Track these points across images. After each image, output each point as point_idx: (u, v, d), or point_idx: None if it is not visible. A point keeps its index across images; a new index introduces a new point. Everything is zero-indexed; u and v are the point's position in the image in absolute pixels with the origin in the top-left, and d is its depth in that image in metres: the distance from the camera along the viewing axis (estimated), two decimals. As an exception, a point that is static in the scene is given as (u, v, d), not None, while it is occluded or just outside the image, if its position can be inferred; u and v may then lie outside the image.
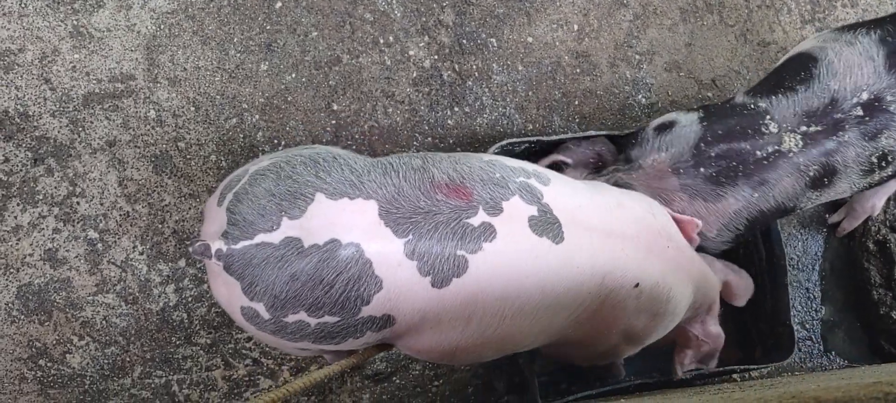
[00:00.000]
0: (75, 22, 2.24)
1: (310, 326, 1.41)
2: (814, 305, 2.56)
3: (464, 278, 1.44)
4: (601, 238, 1.60)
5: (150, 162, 2.25)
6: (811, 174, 1.77)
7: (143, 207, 2.24)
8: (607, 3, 2.57)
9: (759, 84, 1.93)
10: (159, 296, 2.23)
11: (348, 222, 1.38)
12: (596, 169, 2.09)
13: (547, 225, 1.52)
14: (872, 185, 1.87)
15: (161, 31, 2.28)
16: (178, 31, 2.28)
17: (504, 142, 2.23)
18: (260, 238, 1.36)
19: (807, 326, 2.57)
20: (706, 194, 1.81)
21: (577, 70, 2.55)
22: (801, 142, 1.75)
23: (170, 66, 2.27)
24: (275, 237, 1.36)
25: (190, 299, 2.24)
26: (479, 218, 1.45)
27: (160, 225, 2.25)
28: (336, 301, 1.38)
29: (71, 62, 2.21)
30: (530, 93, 2.51)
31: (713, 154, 1.80)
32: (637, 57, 2.58)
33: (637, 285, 1.66)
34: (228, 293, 1.42)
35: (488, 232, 1.46)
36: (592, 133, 2.14)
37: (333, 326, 1.42)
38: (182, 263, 2.25)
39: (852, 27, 1.88)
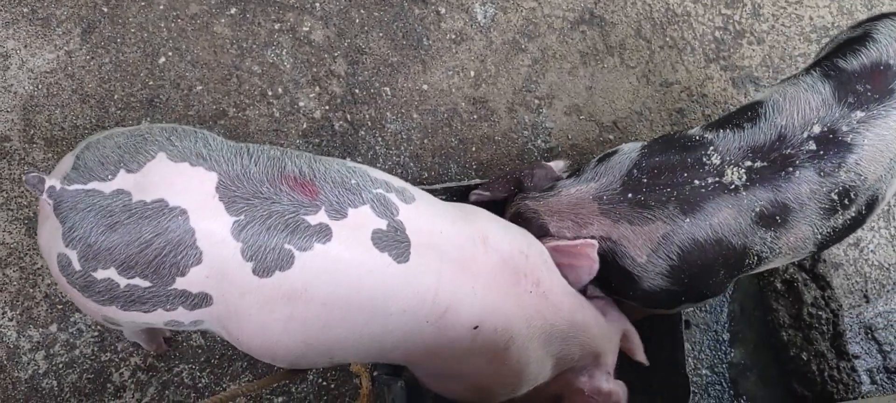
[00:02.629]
0: None
1: (119, 287, 1.26)
2: (723, 348, 2.27)
3: (287, 272, 1.27)
4: (452, 269, 1.40)
5: (22, 224, 1.95)
6: (757, 210, 1.52)
7: (14, 271, 1.95)
8: (505, 48, 2.36)
9: (711, 123, 1.68)
10: (29, 364, 1.95)
11: (181, 186, 1.23)
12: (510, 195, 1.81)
13: (393, 242, 1.34)
14: (838, 231, 1.58)
15: (39, 91, 2.02)
16: (56, 90, 2.01)
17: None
18: (93, 185, 1.22)
19: (716, 370, 2.27)
20: (632, 217, 1.56)
21: (475, 116, 2.33)
22: (744, 176, 1.52)
23: (47, 126, 1.99)
24: (107, 186, 1.22)
25: (61, 365, 1.96)
26: (318, 217, 1.29)
27: (32, 290, 1.98)
28: (150, 262, 1.23)
29: (-57, 124, 2.03)
30: (426, 140, 2.29)
31: (645, 178, 1.57)
32: (536, 101, 2.36)
33: (476, 327, 1.41)
34: (49, 237, 1.26)
35: (323, 233, 1.28)
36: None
37: (144, 291, 1.26)
38: (53, 328, 1.97)
39: (791, 75, 1.66)
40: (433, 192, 1.95)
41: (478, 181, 1.97)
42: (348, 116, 2.18)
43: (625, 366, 1.98)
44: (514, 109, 2.28)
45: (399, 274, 1.34)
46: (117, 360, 1.97)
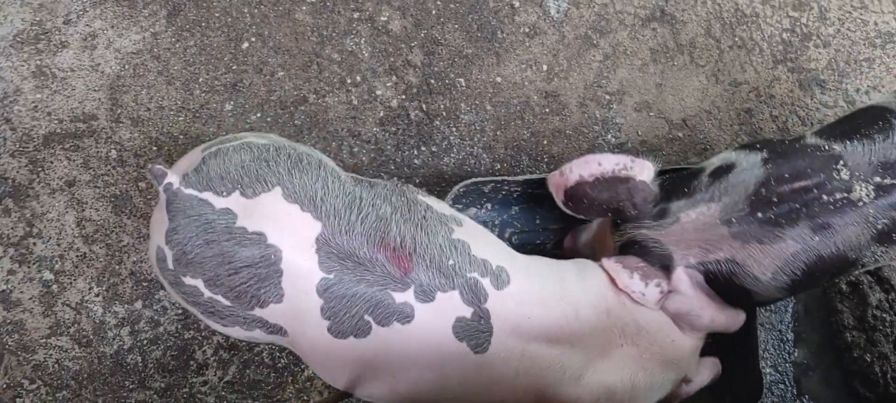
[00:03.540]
0: (39, 62, 1.94)
1: (202, 296, 1.26)
2: (787, 348, 2.24)
3: (361, 341, 1.26)
4: (540, 347, 1.34)
5: (109, 202, 1.94)
6: (879, 227, 1.44)
7: (100, 248, 1.95)
8: (577, 43, 2.33)
9: (831, 127, 1.57)
10: (114, 339, 1.94)
11: (284, 226, 1.23)
12: (614, 222, 1.65)
13: (474, 331, 1.29)
14: None
15: (125, 71, 1.99)
16: (142, 71, 1.98)
17: (469, 182, 1.97)
18: (207, 195, 1.23)
19: (779, 369, 2.25)
20: (762, 236, 1.46)
21: (546, 110, 2.30)
22: (871, 193, 1.43)
23: (133, 106, 1.97)
24: (219, 202, 1.23)
25: (145, 342, 1.95)
26: (405, 297, 1.26)
27: (117, 267, 1.97)
28: (234, 287, 1.23)
29: (33, 102, 1.92)
30: (498, 132, 2.26)
31: (775, 197, 1.45)
32: (607, 97, 2.33)
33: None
34: (157, 226, 1.27)
35: (406, 314, 1.26)
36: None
37: (223, 309, 1.27)
38: (138, 305, 1.96)
39: None
40: (512, 183, 1.94)
41: (544, 175, 1.93)
42: (424, 106, 2.15)
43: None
44: (585, 104, 2.24)
45: (475, 363, 1.31)
46: (200, 338, 1.96)
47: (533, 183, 1.98)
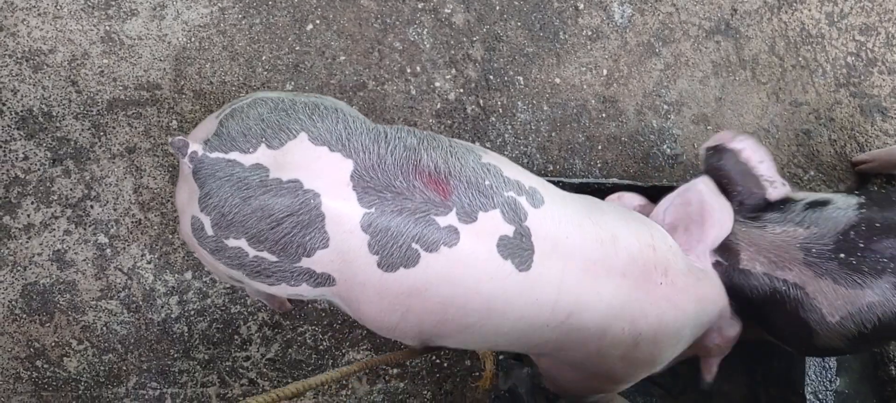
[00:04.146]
0: (108, 27, 1.93)
1: (247, 256, 1.21)
2: (828, 375, 2.16)
3: (411, 271, 1.22)
4: (576, 276, 1.30)
5: (167, 171, 1.91)
6: None
7: (155, 216, 1.93)
8: (639, 50, 2.26)
9: None
10: (162, 307, 1.92)
11: (318, 170, 1.18)
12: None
13: (517, 249, 1.25)
14: None
15: (191, 43, 1.96)
16: (208, 45, 1.94)
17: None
18: (234, 155, 1.18)
19: (820, 397, 2.18)
20: (839, 277, 1.42)
21: (603, 115, 2.24)
22: None
23: (196, 79, 1.93)
24: (247, 159, 1.17)
25: (192, 313, 1.92)
26: (448, 220, 1.21)
27: (170, 236, 1.94)
28: (278, 240, 1.18)
29: (99, 67, 1.90)
30: (553, 133, 2.21)
31: (862, 244, 1.41)
32: (665, 106, 2.26)
33: (603, 329, 1.35)
34: (187, 198, 1.23)
35: (452, 236, 1.21)
36: (621, 181, 1.82)
37: (271, 265, 1.22)
38: (188, 275, 1.93)
39: None
40: (567, 186, 1.89)
41: (616, 180, 1.89)
42: (481, 101, 2.10)
43: (734, 375, 1.90)
44: (643, 112, 2.18)
45: (519, 282, 1.26)
46: (246, 314, 1.94)
47: (587, 187, 1.94)
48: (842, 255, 1.43)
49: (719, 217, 1.53)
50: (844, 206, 1.49)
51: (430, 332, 1.33)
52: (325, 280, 1.25)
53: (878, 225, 1.43)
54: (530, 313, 1.29)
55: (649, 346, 1.43)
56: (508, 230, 1.25)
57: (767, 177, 1.60)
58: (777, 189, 1.60)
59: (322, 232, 1.18)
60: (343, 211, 1.18)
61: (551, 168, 2.12)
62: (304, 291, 1.28)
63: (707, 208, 1.54)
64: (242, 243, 1.20)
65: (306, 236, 1.18)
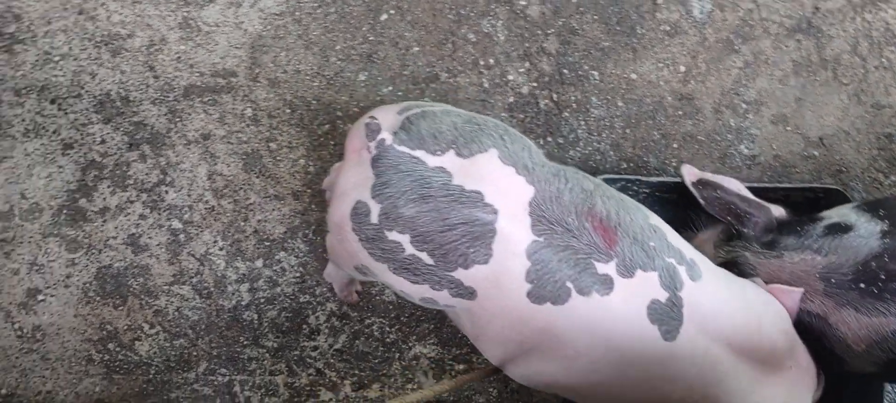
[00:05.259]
0: (185, 14, 1.84)
1: (403, 252, 1.17)
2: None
3: (557, 307, 1.17)
4: (720, 353, 1.25)
5: (240, 159, 1.84)
6: None
7: (228, 203, 1.85)
8: (718, 47, 2.12)
9: None
10: (233, 294, 1.84)
11: (502, 188, 1.16)
12: (727, 233, 1.58)
13: (667, 317, 1.21)
14: None
15: (267, 31, 1.87)
16: (283, 33, 1.86)
17: (601, 177, 1.83)
18: (419, 153, 1.16)
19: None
20: (860, 306, 1.33)
21: (679, 112, 2.11)
22: None
23: (271, 67, 1.85)
24: (432, 160, 1.16)
25: (262, 301, 1.84)
26: (607, 268, 1.18)
27: (243, 223, 1.88)
28: (443, 245, 1.15)
29: (176, 53, 1.82)
30: (628, 130, 2.08)
31: (883, 275, 1.31)
32: (743, 105, 2.11)
33: None
34: (356, 183, 1.20)
35: (606, 285, 1.17)
36: (717, 178, 1.70)
37: (423, 267, 1.18)
38: (259, 263, 1.87)
39: None
40: (642, 184, 1.78)
41: (677, 179, 1.77)
42: (554, 96, 1.99)
43: None
44: (720, 111, 2.04)
45: (661, 350, 1.21)
46: (314, 303, 1.86)
47: (663, 186, 1.82)
48: (862, 285, 1.34)
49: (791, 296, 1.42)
50: (867, 235, 1.38)
51: (544, 374, 1.28)
52: (468, 293, 1.21)
53: None
54: (664, 385, 1.25)
55: None
56: (662, 295, 1.21)
57: (758, 201, 1.57)
58: (777, 209, 1.55)
59: (487, 248, 1.15)
60: (515, 233, 1.15)
61: (625, 166, 2.00)
62: (440, 298, 1.24)
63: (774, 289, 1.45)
64: (404, 239, 1.17)
65: (471, 248, 1.15)
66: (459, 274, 1.17)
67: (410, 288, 1.23)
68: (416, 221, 1.15)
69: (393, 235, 1.17)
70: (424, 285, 1.21)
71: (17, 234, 1.76)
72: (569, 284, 1.17)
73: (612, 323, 1.18)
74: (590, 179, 1.26)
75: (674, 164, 2.01)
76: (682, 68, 2.03)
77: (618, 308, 1.18)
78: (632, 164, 2.00)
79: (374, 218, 1.17)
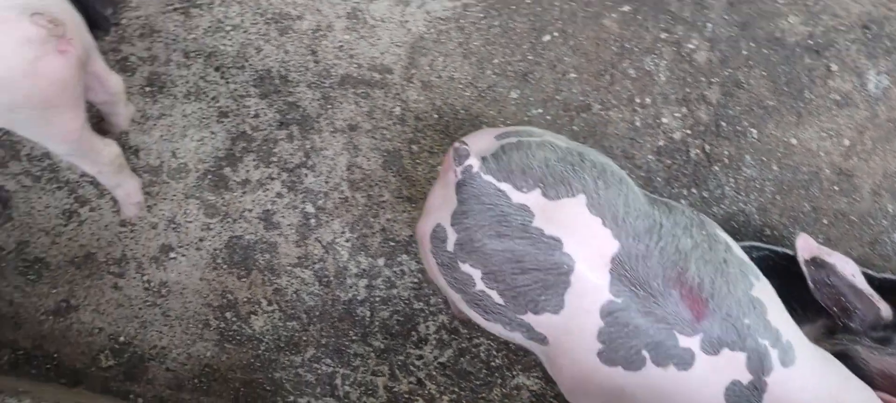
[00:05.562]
0: (355, 4, 1.82)
1: (474, 286, 1.13)
2: None
3: (629, 374, 1.10)
4: None
5: (381, 155, 1.82)
6: None
7: (362, 196, 1.83)
8: (888, 126, 1.96)
9: None
10: (351, 287, 1.81)
11: (583, 238, 1.08)
12: (829, 328, 1.46)
13: (744, 401, 1.11)
14: None
15: (430, 34, 1.83)
16: (445, 38, 1.82)
17: (746, 244, 1.71)
18: (505, 187, 1.10)
19: None
20: None
21: (836, 188, 1.97)
22: None
23: (427, 70, 1.82)
24: (517, 196, 1.09)
25: (377, 299, 1.79)
26: (690, 342, 1.08)
27: (372, 220, 1.84)
28: (514, 287, 1.10)
29: (340, 41, 1.82)
30: (777, 197, 1.95)
31: None
32: (908, 193, 1.97)
33: None
34: (440, 203, 1.16)
35: (686, 359, 1.08)
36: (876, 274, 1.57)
37: (493, 305, 1.14)
38: (380, 262, 1.82)
39: None
40: (781, 256, 1.66)
41: (790, 252, 1.64)
42: (707, 147, 1.89)
43: None
44: (880, 194, 1.89)
45: None
46: (427, 312, 1.82)
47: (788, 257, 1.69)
48: None
49: None
50: None
51: None
52: (540, 339, 1.16)
53: None
54: None
55: None
56: (745, 378, 1.12)
57: (869, 293, 1.44)
58: (883, 306, 1.42)
59: (560, 298, 1.09)
60: (590, 289, 1.08)
61: (768, 232, 1.87)
62: (515, 338, 1.20)
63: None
64: (476, 273, 1.12)
65: (543, 295, 1.09)
66: (530, 318, 1.11)
67: (484, 324, 1.18)
68: (490, 259, 1.09)
69: (465, 267, 1.12)
70: (497, 324, 1.16)
71: (161, 190, 1.78)
72: (644, 353, 1.09)
73: (685, 399, 1.10)
74: (691, 233, 1.14)
75: (820, 241, 1.86)
76: (846, 142, 1.89)
77: (695, 386, 1.09)
78: (775, 233, 1.88)
79: (450, 247, 1.13)
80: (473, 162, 1.11)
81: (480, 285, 1.13)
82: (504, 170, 1.11)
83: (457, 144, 1.11)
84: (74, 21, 1.30)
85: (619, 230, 1.09)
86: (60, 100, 1.28)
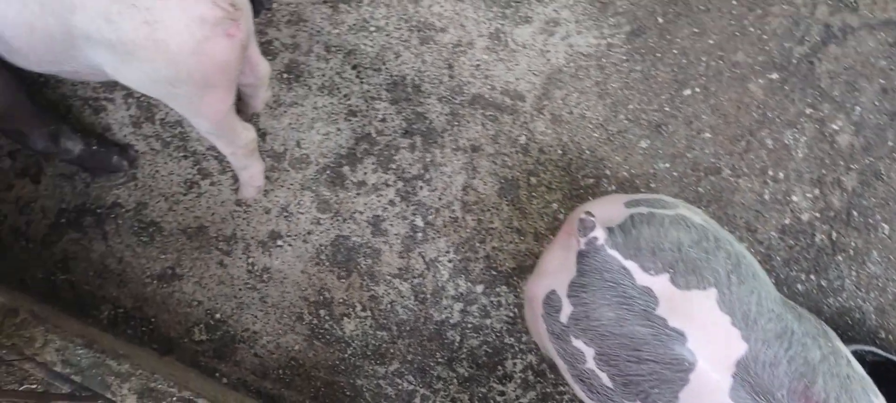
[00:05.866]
0: (499, 26, 1.77)
1: (584, 363, 1.07)
2: None
3: None
4: None
5: (498, 181, 1.76)
6: None
7: (472, 219, 1.77)
8: None
9: None
10: (445, 308, 1.76)
11: (709, 336, 1.01)
12: None
13: None
14: None
15: (568, 68, 1.76)
16: (583, 74, 1.76)
17: (863, 349, 1.63)
18: (631, 265, 1.02)
19: None
20: None
21: (965, 304, 1.85)
22: None
23: (559, 104, 1.76)
24: (642, 279, 1.02)
25: (469, 326, 1.74)
26: None
27: (478, 244, 1.79)
28: (627, 375, 1.03)
29: (478, 60, 1.78)
30: (899, 302, 1.85)
31: None
32: None
33: None
34: (557, 267, 1.09)
35: None
36: None
37: (600, 386, 1.07)
38: (479, 289, 1.78)
39: None
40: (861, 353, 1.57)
41: None
42: (834, 234, 1.79)
43: None
44: None
45: None
46: (516, 350, 1.77)
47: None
48: None
49: None
50: None
51: None
52: None
53: None
54: None
55: None
56: None
57: None
58: None
59: (674, 395, 1.03)
60: (710, 390, 1.01)
61: (882, 335, 1.77)
62: None
63: None
64: (589, 352, 1.06)
65: (656, 389, 1.03)
66: None
67: (586, 400, 1.12)
68: (606, 341, 1.03)
69: (578, 343, 1.06)
70: None
71: (281, 177, 1.77)
72: None
73: None
74: (819, 345, 1.06)
75: (942, 356, 1.75)
76: None
77: None
78: (890, 337, 1.77)
79: (564, 318, 1.06)
80: (599, 233, 1.04)
81: (591, 364, 1.07)
82: (632, 246, 1.04)
83: (583, 216, 1.04)
84: (247, 6, 1.28)
85: (749, 332, 1.03)
86: (219, 81, 1.27)
